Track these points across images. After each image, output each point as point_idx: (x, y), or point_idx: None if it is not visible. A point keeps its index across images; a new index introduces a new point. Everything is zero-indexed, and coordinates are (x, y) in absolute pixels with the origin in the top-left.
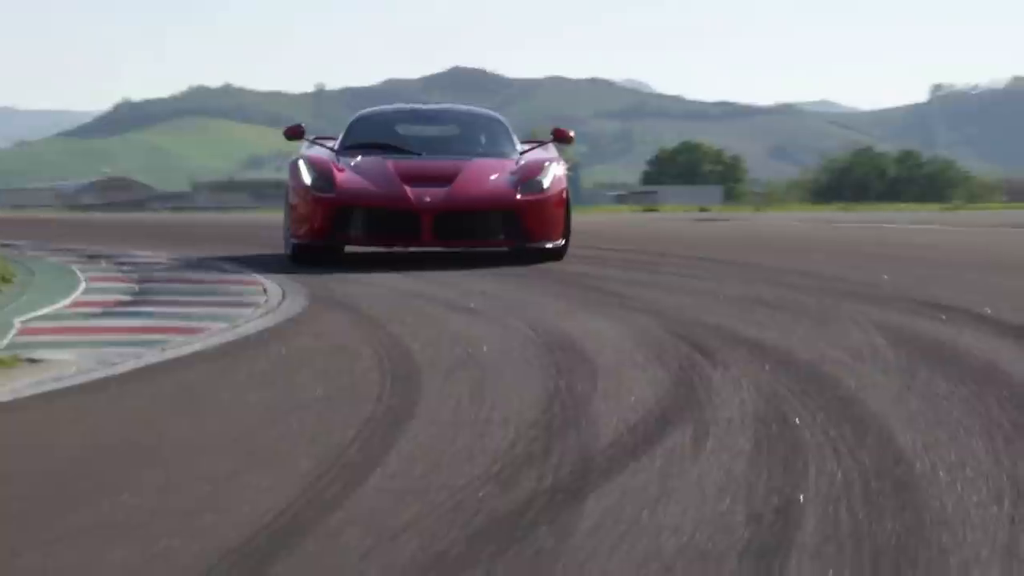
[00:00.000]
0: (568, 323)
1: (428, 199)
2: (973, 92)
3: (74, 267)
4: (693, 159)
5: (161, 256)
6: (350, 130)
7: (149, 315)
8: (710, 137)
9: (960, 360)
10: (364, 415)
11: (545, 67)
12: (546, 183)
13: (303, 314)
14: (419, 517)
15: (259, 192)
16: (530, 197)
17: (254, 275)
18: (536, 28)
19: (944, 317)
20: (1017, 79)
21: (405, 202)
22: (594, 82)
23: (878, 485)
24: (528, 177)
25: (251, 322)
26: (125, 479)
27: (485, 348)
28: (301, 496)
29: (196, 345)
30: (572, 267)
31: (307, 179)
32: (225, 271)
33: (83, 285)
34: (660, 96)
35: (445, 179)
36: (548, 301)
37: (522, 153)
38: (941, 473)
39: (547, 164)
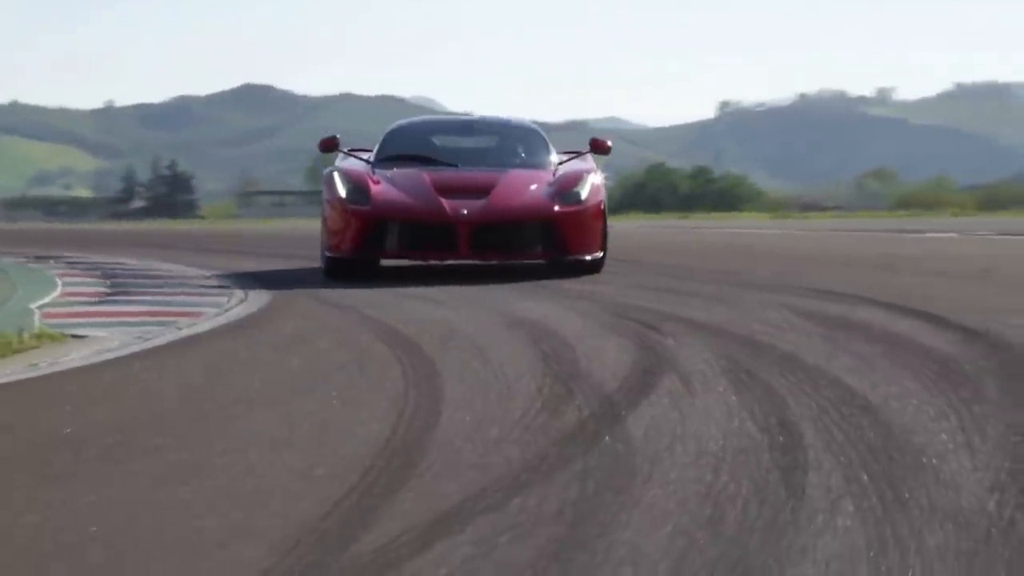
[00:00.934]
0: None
1: (465, 211)
2: (759, 109)
3: (31, 265)
4: None
5: (101, 255)
6: (385, 142)
7: (143, 302)
8: None
9: (867, 328)
10: (397, 373)
11: (336, 84)
12: (584, 194)
13: (274, 302)
14: (504, 434)
15: (51, 209)
16: (568, 208)
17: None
18: (327, 46)
19: (833, 298)
20: (802, 96)
21: (441, 214)
22: (385, 99)
23: (848, 410)
24: (566, 188)
25: (234, 308)
26: (226, 419)
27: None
28: (397, 425)
29: (206, 324)
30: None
31: (342, 191)
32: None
33: (58, 281)
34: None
35: (482, 191)
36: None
37: (559, 164)
38: (893, 402)
39: (585, 175)
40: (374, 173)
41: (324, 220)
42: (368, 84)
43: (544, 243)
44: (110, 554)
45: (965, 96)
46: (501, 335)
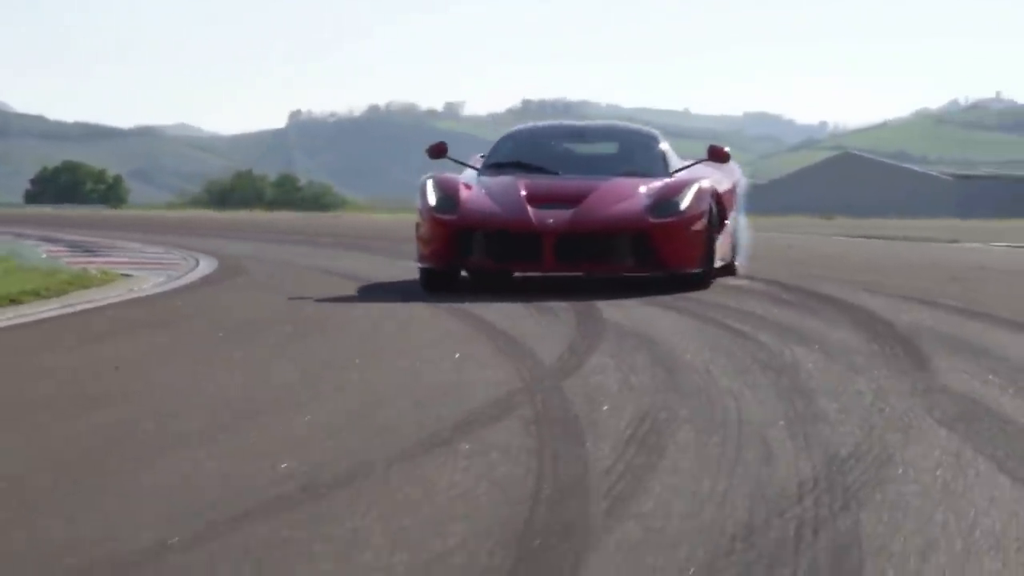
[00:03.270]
0: None
1: (551, 220)
2: (331, 120)
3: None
4: (75, 179)
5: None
6: (495, 148)
7: (124, 253)
8: (74, 158)
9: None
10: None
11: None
12: (683, 204)
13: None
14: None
15: None
16: (663, 220)
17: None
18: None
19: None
20: (372, 108)
21: (526, 223)
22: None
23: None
24: (665, 198)
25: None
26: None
27: None
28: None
29: (206, 269)
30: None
31: (432, 200)
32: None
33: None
34: (22, 116)
35: (574, 200)
36: None
37: (674, 172)
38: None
39: (690, 185)
40: (473, 180)
41: (417, 229)
42: None
43: (636, 256)
44: None
45: (532, 112)
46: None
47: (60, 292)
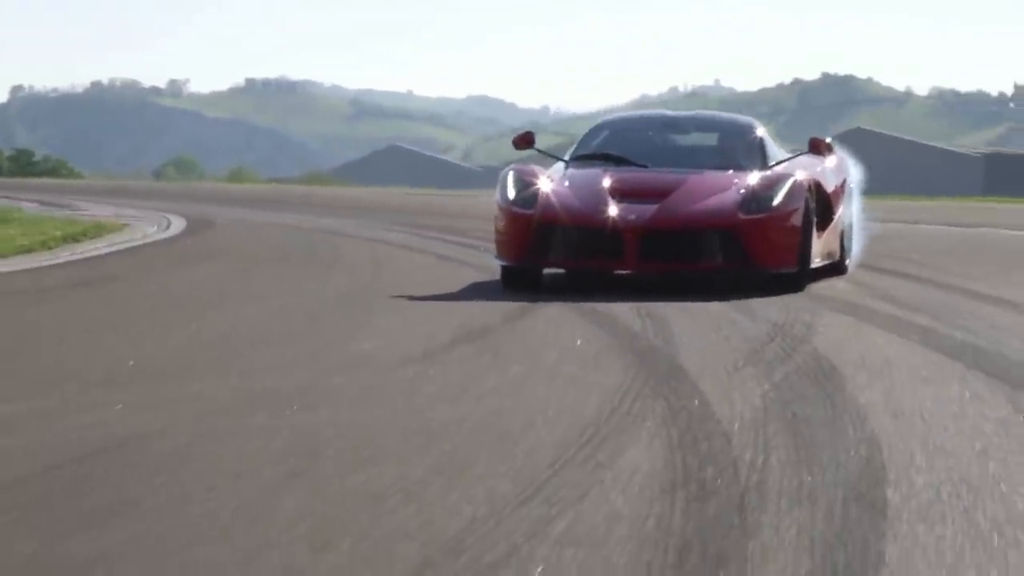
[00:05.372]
0: None
1: (633, 216)
2: (52, 95)
3: None
4: None
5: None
6: (584, 139)
7: (109, 206)
8: None
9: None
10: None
11: None
12: (776, 200)
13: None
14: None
15: None
16: (753, 216)
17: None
18: None
19: None
20: (95, 84)
21: (606, 219)
22: None
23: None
24: (758, 193)
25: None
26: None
27: None
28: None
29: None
30: None
31: (511, 193)
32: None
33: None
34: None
35: (660, 194)
36: None
37: (772, 165)
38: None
39: (785, 179)
40: (559, 173)
41: (495, 223)
42: None
43: (725, 253)
44: None
45: (255, 91)
46: None
47: (96, 235)
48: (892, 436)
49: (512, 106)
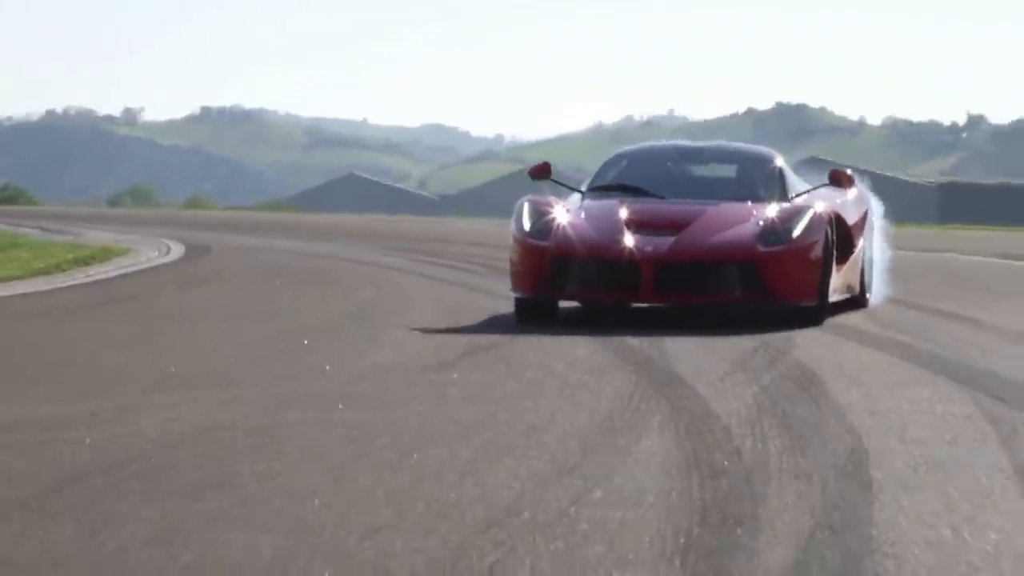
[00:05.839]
0: None
1: (650, 248)
2: (7, 124)
3: None
4: None
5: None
6: (602, 170)
7: (104, 232)
8: None
9: None
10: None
11: None
12: (796, 232)
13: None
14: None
15: None
16: (773, 248)
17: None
18: None
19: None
20: (50, 112)
21: (622, 251)
22: None
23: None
24: (777, 225)
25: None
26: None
27: None
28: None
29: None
30: None
31: (526, 224)
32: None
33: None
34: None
35: (678, 226)
36: None
37: (792, 197)
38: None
39: (805, 211)
40: (576, 204)
41: (510, 254)
42: None
43: (744, 286)
44: None
45: (210, 119)
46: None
47: (104, 259)
48: (871, 429)
49: (466, 134)
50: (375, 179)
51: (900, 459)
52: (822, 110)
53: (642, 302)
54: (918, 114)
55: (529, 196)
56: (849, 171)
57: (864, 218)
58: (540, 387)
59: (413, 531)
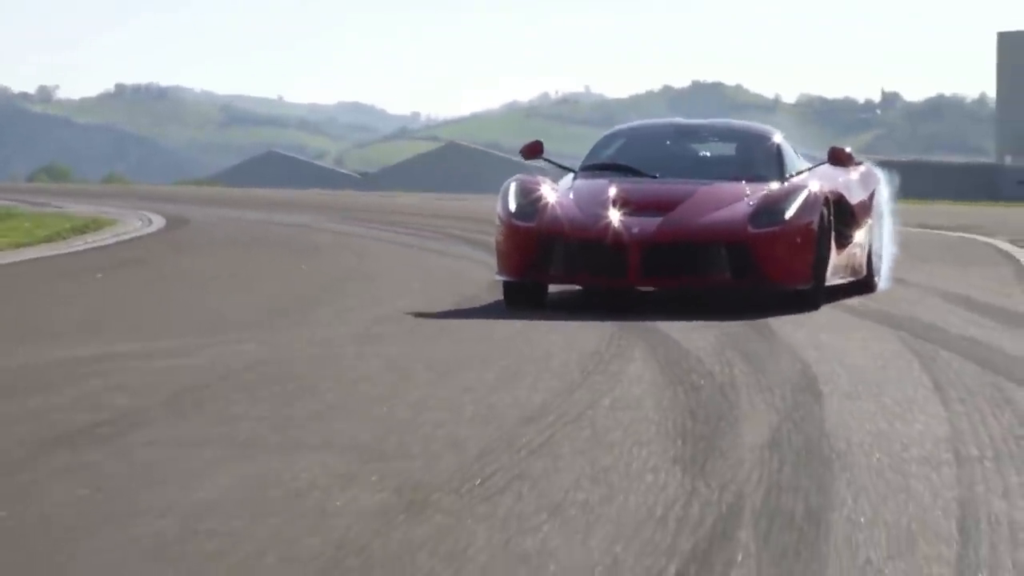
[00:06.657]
0: None
1: (636, 230)
2: None
3: None
4: None
5: None
6: (594, 149)
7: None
8: None
9: None
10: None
11: None
12: (789, 212)
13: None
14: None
15: None
16: (765, 229)
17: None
18: None
19: None
20: None
21: (607, 232)
22: None
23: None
24: (769, 205)
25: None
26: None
27: None
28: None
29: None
30: None
31: (512, 204)
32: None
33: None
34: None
35: (667, 206)
36: None
37: (790, 176)
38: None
39: (799, 190)
40: (566, 184)
41: (496, 236)
42: None
43: (735, 268)
44: None
45: (126, 96)
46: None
47: (97, 229)
48: (817, 359)
49: (383, 112)
50: (296, 156)
51: (843, 379)
52: (738, 88)
53: (628, 285)
54: (833, 91)
55: (518, 175)
56: (848, 148)
57: (871, 198)
58: (534, 328)
59: (471, 424)
